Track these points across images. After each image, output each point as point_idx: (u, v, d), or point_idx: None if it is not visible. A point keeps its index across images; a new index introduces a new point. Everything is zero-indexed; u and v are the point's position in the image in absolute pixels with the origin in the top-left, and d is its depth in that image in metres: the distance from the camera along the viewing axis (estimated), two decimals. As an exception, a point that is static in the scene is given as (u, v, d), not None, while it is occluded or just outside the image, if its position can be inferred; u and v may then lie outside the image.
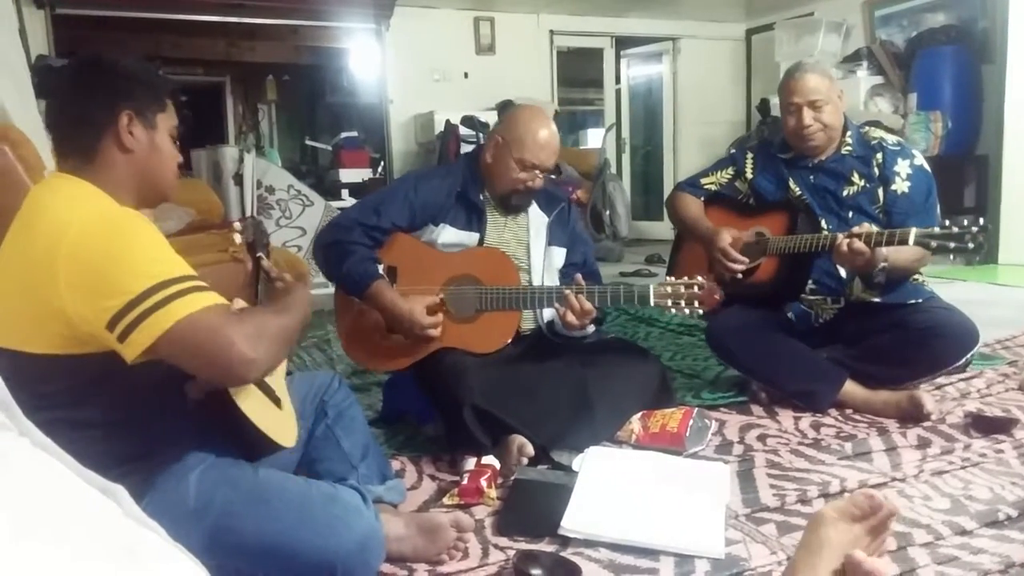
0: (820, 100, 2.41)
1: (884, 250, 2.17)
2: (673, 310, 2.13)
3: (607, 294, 2.15)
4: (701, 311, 2.12)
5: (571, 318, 2.12)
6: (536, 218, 2.37)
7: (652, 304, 2.13)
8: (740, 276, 2.47)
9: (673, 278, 2.15)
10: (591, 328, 2.25)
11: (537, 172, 2.24)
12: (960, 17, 5.94)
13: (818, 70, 2.47)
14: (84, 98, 1.37)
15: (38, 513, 0.54)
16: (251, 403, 1.32)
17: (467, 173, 2.32)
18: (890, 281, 2.31)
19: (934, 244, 2.05)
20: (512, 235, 2.34)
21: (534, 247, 2.34)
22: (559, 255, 2.39)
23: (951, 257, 2.06)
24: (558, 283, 2.36)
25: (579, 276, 2.20)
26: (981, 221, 2.01)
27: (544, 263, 2.33)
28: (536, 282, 2.31)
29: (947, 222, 2.10)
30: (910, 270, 2.32)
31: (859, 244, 2.14)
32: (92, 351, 1.20)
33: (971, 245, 2.01)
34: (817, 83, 2.42)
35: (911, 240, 2.06)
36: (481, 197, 2.29)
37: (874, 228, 2.19)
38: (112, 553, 0.55)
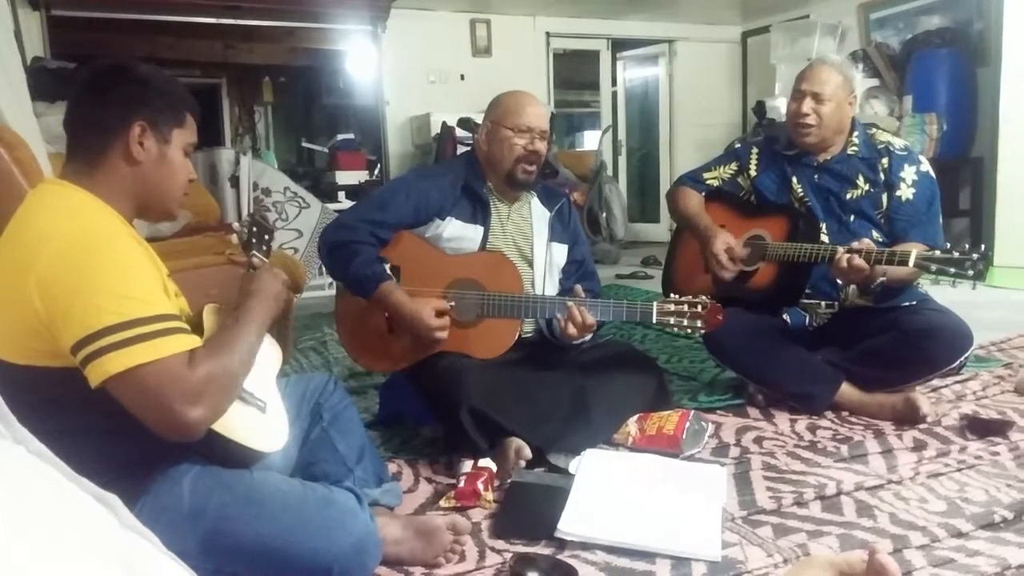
0: (824, 95, 2.40)
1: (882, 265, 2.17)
2: (675, 328, 2.14)
3: (610, 308, 2.15)
4: (703, 330, 2.13)
5: (572, 330, 2.12)
6: (539, 212, 2.39)
7: (654, 322, 2.13)
8: (736, 279, 2.47)
9: (677, 295, 2.16)
10: (588, 335, 2.25)
11: (535, 134, 2.27)
12: (955, 19, 5.96)
13: (837, 67, 2.47)
14: (99, 102, 1.35)
15: (34, 521, 0.54)
16: (225, 419, 1.29)
17: (468, 167, 2.35)
18: (887, 291, 2.31)
19: (934, 268, 2.03)
20: (515, 227, 2.35)
21: (537, 241, 2.35)
22: (560, 252, 2.40)
23: (952, 283, 2.05)
24: (559, 281, 2.37)
25: (579, 288, 2.21)
26: (982, 248, 2.00)
27: (547, 258, 2.35)
28: (538, 276, 2.32)
29: (948, 245, 2.08)
30: (908, 282, 2.31)
31: (859, 261, 2.13)
32: (71, 365, 1.19)
33: (971, 272, 1.99)
34: (828, 76, 2.42)
35: (911, 262, 2.05)
36: (484, 189, 2.31)
37: (874, 246, 2.17)
38: (108, 563, 0.54)
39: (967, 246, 2.02)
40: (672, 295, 2.18)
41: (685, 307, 2.12)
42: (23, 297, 1.18)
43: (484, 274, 2.21)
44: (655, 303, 2.14)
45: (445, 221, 2.25)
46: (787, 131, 2.58)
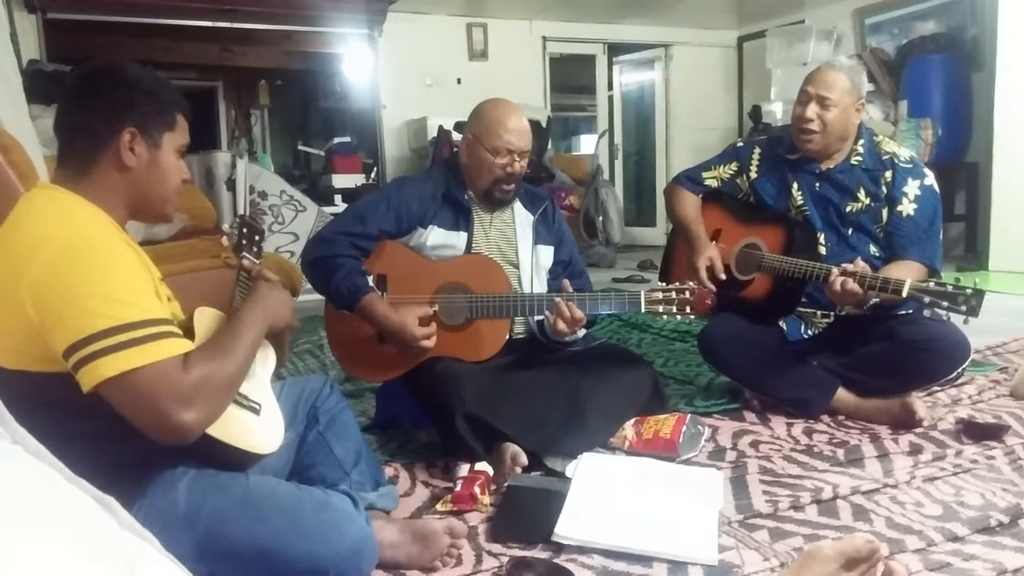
0: (830, 100, 2.36)
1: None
2: (664, 316, 2.14)
3: (598, 300, 2.15)
4: (692, 316, 2.13)
5: (561, 326, 2.12)
6: (521, 217, 2.37)
7: (643, 311, 2.14)
8: (731, 288, 2.46)
9: (664, 283, 2.16)
10: (581, 332, 2.25)
11: (514, 156, 2.24)
12: (950, 25, 5.99)
13: (846, 71, 2.41)
14: (88, 107, 1.33)
15: (37, 521, 0.53)
16: (219, 422, 1.28)
17: (449, 175, 2.33)
18: (881, 308, 2.30)
19: (927, 300, 2.01)
20: (499, 233, 2.34)
21: (522, 245, 2.34)
22: (546, 254, 2.39)
23: (945, 316, 2.04)
24: (546, 282, 2.37)
25: (567, 282, 2.21)
26: (976, 282, 1.98)
27: (532, 261, 2.34)
28: (525, 279, 2.31)
29: (943, 276, 2.05)
30: (901, 303, 2.29)
31: (852, 285, 2.10)
32: (64, 370, 1.19)
33: (963, 307, 1.95)
34: (835, 80, 2.37)
35: (904, 292, 2.02)
36: (466, 196, 2.29)
37: (868, 269, 2.14)
38: (112, 564, 0.54)
39: (960, 279, 2.00)
40: (661, 283, 2.18)
41: (673, 294, 2.12)
42: (16, 302, 1.18)
43: (470, 276, 2.20)
44: (642, 291, 2.14)
45: (427, 229, 2.24)
46: (791, 134, 2.54)
